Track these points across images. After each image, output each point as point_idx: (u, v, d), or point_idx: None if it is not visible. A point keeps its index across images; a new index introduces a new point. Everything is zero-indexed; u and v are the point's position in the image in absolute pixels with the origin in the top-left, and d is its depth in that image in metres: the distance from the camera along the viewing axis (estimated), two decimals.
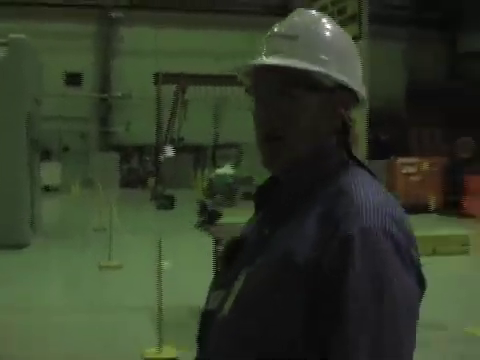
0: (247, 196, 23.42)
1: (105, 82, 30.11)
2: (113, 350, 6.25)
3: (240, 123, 26.62)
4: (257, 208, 1.61)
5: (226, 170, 21.03)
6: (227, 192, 20.81)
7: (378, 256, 1.29)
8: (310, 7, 4.20)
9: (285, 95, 1.43)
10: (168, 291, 6.54)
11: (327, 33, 1.48)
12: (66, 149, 28.98)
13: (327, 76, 1.42)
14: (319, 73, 1.42)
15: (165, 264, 6.83)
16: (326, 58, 1.44)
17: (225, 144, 26.55)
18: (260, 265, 1.40)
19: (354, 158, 1.49)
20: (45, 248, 11.72)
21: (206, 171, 23.96)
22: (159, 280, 6.39)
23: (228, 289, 1.47)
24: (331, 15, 3.70)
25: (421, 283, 1.36)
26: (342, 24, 3.53)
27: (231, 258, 1.53)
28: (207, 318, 1.52)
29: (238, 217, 8.60)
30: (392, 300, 1.27)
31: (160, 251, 6.48)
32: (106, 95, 29.56)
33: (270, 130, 1.46)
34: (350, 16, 3.16)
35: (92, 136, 29.33)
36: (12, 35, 11.74)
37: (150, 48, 28.21)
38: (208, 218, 7.53)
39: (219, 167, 21.60)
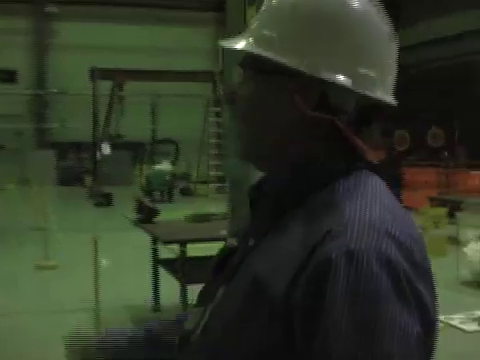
0: (184, 192, 23.39)
1: (40, 78, 29.61)
2: (52, 352, 6.13)
3: (177, 119, 26.70)
4: (252, 207, 1.37)
5: (164, 167, 20.92)
6: (165, 189, 20.74)
7: (365, 286, 1.00)
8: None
9: (245, 81, 1.28)
10: (106, 291, 6.46)
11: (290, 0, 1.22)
12: (1, 147, 28.40)
13: (268, 59, 1.19)
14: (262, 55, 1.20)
15: (102, 262, 6.76)
16: (269, 33, 1.21)
17: (163, 140, 26.41)
18: (235, 285, 1.21)
19: (364, 162, 1.22)
20: None
21: (144, 168, 23.79)
22: (96, 280, 6.31)
23: (205, 307, 1.32)
24: None
25: (428, 328, 1.06)
26: None
27: (219, 269, 1.35)
28: (183, 339, 1.35)
29: (175, 213, 8.59)
30: (379, 346, 0.98)
31: (96, 250, 6.39)
32: (41, 91, 29.07)
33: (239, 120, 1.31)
34: None
35: (28, 134, 28.81)
36: None
37: (86, 43, 27.87)
38: (145, 215, 7.46)
39: (157, 164, 21.47)
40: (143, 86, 24.19)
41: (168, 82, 23.88)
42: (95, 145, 22.02)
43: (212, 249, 1.83)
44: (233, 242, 1.37)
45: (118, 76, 22.12)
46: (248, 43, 1.24)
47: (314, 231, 1.09)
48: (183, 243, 6.26)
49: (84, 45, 27.95)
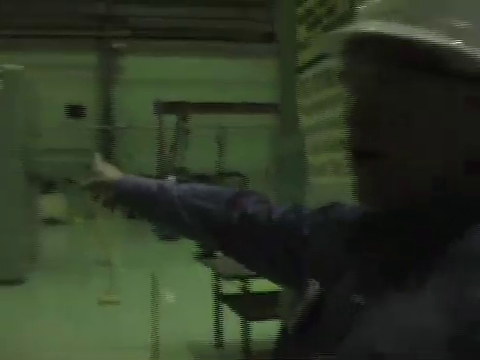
0: None
1: (107, 113, 30.02)
2: None
3: (243, 152, 26.60)
4: (337, 258, 1.11)
5: None
6: None
7: None
8: (295, 12, 3.99)
9: (386, 83, 0.93)
10: (167, 327, 6.29)
11: None
12: (70, 181, 28.78)
13: (460, 54, 0.87)
14: (445, 48, 0.88)
15: (166, 298, 6.62)
16: (460, 25, 0.88)
17: (230, 173, 26.34)
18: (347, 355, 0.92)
19: None
20: (43, 283, 11.46)
21: None
22: (155, 317, 6.15)
23: None
24: (319, 17, 3.45)
25: None
26: (331, 26, 3.28)
27: (305, 326, 1.08)
28: None
29: None
30: None
31: (156, 286, 6.23)
32: (108, 126, 29.44)
33: (361, 142, 0.96)
34: (340, 17, 2.94)
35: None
36: (7, 66, 11.55)
37: (151, 77, 28.14)
38: (208, 249, 7.30)
39: None
40: (208, 119, 24.22)
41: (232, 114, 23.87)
42: (161, 179, 22.01)
43: (275, 285, 1.72)
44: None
45: (182, 109, 22.22)
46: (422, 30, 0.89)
47: (466, 300, 0.80)
48: (245, 278, 6.07)
49: (149, 79, 28.22)
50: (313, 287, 1.12)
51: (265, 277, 1.57)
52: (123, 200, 1.87)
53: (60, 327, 8.37)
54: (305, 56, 3.50)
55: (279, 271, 1.43)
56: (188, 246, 8.78)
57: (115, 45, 29.09)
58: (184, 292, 9.69)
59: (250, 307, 6.11)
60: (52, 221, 22.17)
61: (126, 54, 29.29)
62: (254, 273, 1.64)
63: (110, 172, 1.89)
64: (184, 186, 1.77)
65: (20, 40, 26.03)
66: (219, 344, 7.21)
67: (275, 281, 1.57)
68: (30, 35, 26.36)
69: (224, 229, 1.54)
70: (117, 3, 28.77)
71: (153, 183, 1.79)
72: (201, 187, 1.74)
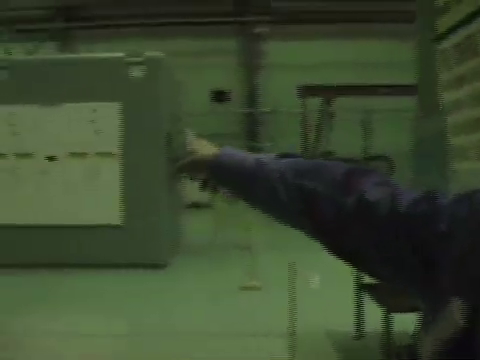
0: None
1: (252, 98, 30.10)
2: None
3: (389, 135, 25.93)
4: None
5: None
6: None
7: None
8: None
9: None
10: (307, 315, 6.10)
11: None
12: None
13: None
14: None
15: (311, 282, 6.43)
16: None
17: (376, 157, 25.74)
18: None
19: None
20: (185, 268, 11.56)
21: None
22: (293, 304, 5.97)
23: None
24: None
25: None
26: None
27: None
28: None
29: None
30: None
31: (294, 273, 6.05)
32: (253, 110, 29.52)
33: None
34: None
35: None
36: (148, 53, 11.70)
37: (294, 61, 27.94)
38: None
39: None
40: (353, 102, 23.73)
41: (378, 97, 23.26)
42: None
43: None
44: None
45: (326, 93, 21.90)
46: None
47: None
48: None
49: (292, 63, 28.03)
50: (457, 306, 0.86)
51: (384, 281, 1.26)
52: (218, 178, 1.68)
53: (201, 313, 8.39)
54: (445, 22, 3.16)
55: (403, 277, 1.14)
56: None
57: (257, 30, 29.07)
58: (324, 279, 9.45)
59: (392, 298, 5.81)
60: (195, 205, 22.50)
61: (268, 39, 29.21)
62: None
63: (205, 149, 1.71)
64: (285, 160, 1.51)
65: (162, 28, 26.53)
66: (359, 335, 6.94)
67: (397, 288, 1.24)
68: (172, 22, 26.79)
69: (331, 216, 1.28)
70: None
71: (251, 158, 1.58)
72: (305, 161, 1.47)
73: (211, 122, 27.10)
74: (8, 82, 11.80)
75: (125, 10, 24.45)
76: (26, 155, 11.69)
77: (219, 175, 1.66)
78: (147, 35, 24.59)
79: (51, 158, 11.63)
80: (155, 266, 11.07)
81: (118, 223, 11.41)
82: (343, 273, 8.02)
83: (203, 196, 24.73)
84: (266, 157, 1.58)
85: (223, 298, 9.14)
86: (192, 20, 27.17)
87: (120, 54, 11.81)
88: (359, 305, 7.01)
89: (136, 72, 11.52)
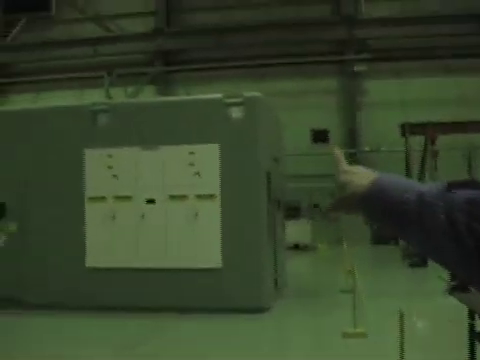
0: None
1: (351, 137, 29.70)
2: None
3: None
4: None
5: None
6: None
7: None
8: None
9: None
10: None
11: None
12: (316, 206, 28.81)
13: None
14: None
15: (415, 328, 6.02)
16: None
17: None
18: None
19: None
20: (287, 312, 11.23)
21: None
22: (401, 354, 5.56)
23: None
24: None
25: None
26: None
27: None
28: None
29: None
30: None
31: (402, 321, 5.64)
32: (354, 150, 29.09)
33: None
34: None
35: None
36: (247, 93, 11.58)
37: (394, 99, 27.44)
38: (460, 283, 6.57)
39: None
40: (456, 139, 23.01)
41: None
42: None
43: None
44: None
45: (429, 130, 21.26)
46: None
47: None
48: None
49: (392, 101, 27.56)
50: None
51: None
52: (370, 213, 1.49)
53: None
54: None
55: None
56: (440, 273, 8.04)
57: (356, 68, 28.77)
58: (434, 327, 8.94)
59: None
60: (297, 247, 22.21)
61: (367, 77, 28.86)
62: None
63: (358, 177, 1.52)
64: (456, 193, 1.32)
65: (261, 69, 26.59)
66: None
67: None
68: (271, 64, 26.84)
69: None
70: (357, 26, 28.49)
71: (412, 191, 1.38)
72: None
73: (311, 162, 26.85)
74: (109, 125, 11.91)
75: (224, 52, 24.66)
76: (125, 198, 11.72)
77: (371, 209, 1.47)
78: (246, 76, 24.69)
79: (150, 201, 11.61)
80: (256, 310, 10.80)
81: (219, 266, 11.22)
82: (454, 321, 7.56)
83: (305, 237, 24.44)
84: (430, 190, 1.37)
85: (326, 346, 8.76)
86: (291, 61, 27.16)
87: (219, 95, 11.75)
88: (472, 355, 6.49)
89: (235, 113, 11.42)
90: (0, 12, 24.50)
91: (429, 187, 1.39)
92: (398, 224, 1.41)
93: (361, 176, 1.52)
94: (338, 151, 1.61)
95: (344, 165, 1.57)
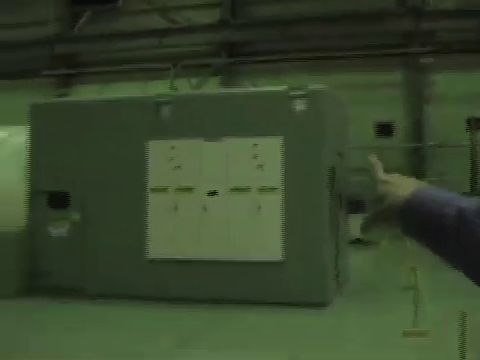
0: None
1: (416, 131, 29.21)
2: None
3: None
4: None
5: None
6: None
7: None
8: None
9: None
10: None
11: None
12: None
13: None
14: None
15: None
16: None
17: None
18: None
19: None
20: (347, 308, 11.13)
21: None
22: (462, 354, 5.44)
23: None
24: None
25: None
26: None
27: None
28: None
29: None
30: None
31: (464, 323, 5.52)
32: (420, 144, 28.61)
33: None
34: None
35: None
36: (311, 86, 11.48)
37: (461, 93, 26.87)
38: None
39: None
40: None
41: None
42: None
43: None
44: None
45: None
46: None
47: None
48: None
49: (459, 94, 26.98)
50: None
51: None
52: (406, 228, 1.44)
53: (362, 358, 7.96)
54: None
55: None
56: None
57: (422, 61, 28.24)
58: None
59: None
60: (358, 242, 21.96)
61: (434, 70, 28.32)
62: None
63: (397, 188, 1.48)
64: None
65: (326, 61, 26.37)
66: None
67: None
68: (336, 56, 26.59)
69: None
70: (423, 18, 27.98)
71: (452, 206, 1.32)
72: None
73: (377, 156, 26.50)
74: (172, 117, 11.98)
75: (288, 45, 24.55)
76: (187, 189, 11.76)
77: (409, 222, 1.42)
78: (312, 69, 24.54)
79: (212, 193, 11.63)
80: (317, 304, 10.74)
81: (280, 259, 11.18)
82: None
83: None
84: (470, 205, 1.32)
85: (386, 343, 8.64)
86: (356, 53, 26.86)
87: (283, 87, 11.69)
88: None
89: (299, 105, 11.34)
90: (68, 4, 24.86)
91: (469, 202, 1.33)
92: (434, 239, 1.37)
93: (401, 187, 1.47)
94: (374, 159, 1.56)
95: (382, 174, 1.51)
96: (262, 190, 11.40)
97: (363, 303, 11.44)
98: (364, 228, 1.58)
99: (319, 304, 10.77)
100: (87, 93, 19.52)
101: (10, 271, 12.31)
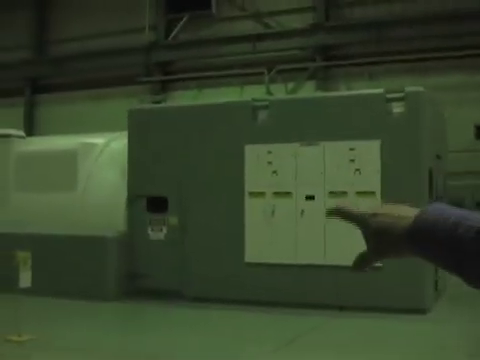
0: None
1: None
2: None
3: None
4: None
5: None
6: None
7: None
8: None
9: None
10: None
11: None
12: (479, 204, 27.74)
13: None
14: None
15: None
16: None
17: None
18: None
19: None
20: (448, 314, 10.83)
21: None
22: None
23: None
24: None
25: None
26: None
27: None
28: None
29: None
30: None
31: None
32: None
33: None
34: None
35: None
36: (409, 88, 11.27)
37: None
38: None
39: None
40: None
41: None
42: None
43: None
44: None
45: None
46: None
47: None
48: None
49: None
50: None
51: None
52: (418, 250, 1.37)
53: None
54: None
55: None
56: None
57: None
58: None
59: None
60: None
61: None
62: None
63: (397, 213, 1.42)
64: None
65: (424, 63, 25.86)
66: None
67: None
68: (432, 57, 26.05)
69: None
70: None
71: (466, 227, 1.28)
72: None
73: (474, 158, 25.85)
74: (268, 121, 11.99)
75: (384, 46, 24.21)
76: (285, 194, 11.74)
77: (420, 248, 1.37)
78: (408, 71, 24.11)
79: (310, 197, 11.56)
80: (416, 311, 10.51)
81: (379, 264, 10.97)
82: None
83: None
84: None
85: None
86: (454, 54, 26.25)
87: (380, 90, 11.53)
88: None
89: (397, 108, 11.16)
90: (163, 12, 25.25)
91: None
92: (453, 261, 1.31)
93: (399, 214, 1.41)
94: (340, 204, 1.47)
95: (363, 209, 1.45)
96: (360, 194, 11.26)
97: (461, 311, 11.12)
98: (359, 266, 1.58)
99: (418, 310, 10.54)
100: (182, 99, 19.76)
101: (111, 274, 12.58)
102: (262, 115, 12.12)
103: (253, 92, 18.24)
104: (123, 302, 12.20)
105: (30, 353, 8.32)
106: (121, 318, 11.72)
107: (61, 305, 11.81)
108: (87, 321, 10.61)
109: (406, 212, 1.41)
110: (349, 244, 11.02)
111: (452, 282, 13.24)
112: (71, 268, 12.78)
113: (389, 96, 11.26)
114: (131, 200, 13.01)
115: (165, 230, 12.69)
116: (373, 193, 11.15)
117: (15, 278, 8.97)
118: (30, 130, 25.88)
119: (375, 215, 1.46)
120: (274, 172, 11.85)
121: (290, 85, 22.40)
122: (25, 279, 9.06)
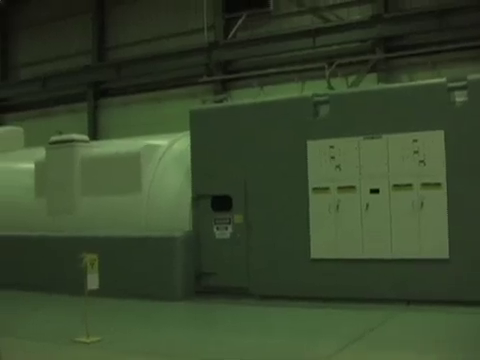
0: None
1: None
2: None
3: None
4: None
5: None
6: None
7: None
8: None
9: None
10: None
11: None
12: None
13: None
14: None
15: None
16: None
17: None
18: None
19: None
20: None
21: None
22: None
23: None
24: None
25: None
26: None
27: None
28: None
29: None
30: None
31: None
32: None
33: None
34: None
35: None
36: (471, 76, 11.05)
37: None
38: None
39: None
40: None
41: None
42: None
43: None
44: None
45: None
46: None
47: None
48: None
49: None
50: None
51: None
52: None
53: None
54: None
55: None
56: None
57: None
58: None
59: None
60: None
61: None
62: None
63: None
64: None
65: None
66: None
67: None
68: None
69: None
70: None
71: None
72: None
73: None
74: (330, 115, 11.93)
75: (445, 35, 23.79)
76: (349, 188, 11.67)
77: None
78: (471, 59, 23.62)
79: (374, 191, 11.46)
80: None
81: (446, 256, 10.84)
82: None
83: None
84: None
85: None
86: None
87: (442, 79, 11.35)
88: None
89: (459, 97, 10.97)
90: (221, 12, 25.34)
91: None
92: None
93: None
94: None
95: None
96: (425, 186, 11.11)
97: None
98: None
99: None
100: (244, 97, 19.84)
101: (178, 274, 12.71)
102: (323, 110, 12.08)
103: (314, 87, 18.14)
104: (191, 302, 12.31)
105: (98, 354, 8.42)
106: (191, 317, 11.81)
107: (129, 306, 11.99)
108: (156, 322, 10.74)
109: None
110: (415, 237, 10.95)
111: None
112: (138, 269, 12.96)
113: (451, 85, 11.07)
114: (196, 200, 13.11)
115: (230, 229, 12.76)
116: (439, 185, 10.99)
117: (83, 280, 9.14)
118: (94, 134, 26.33)
119: None
120: (337, 167, 11.79)
121: (351, 79, 22.19)
122: (93, 281, 9.23)
